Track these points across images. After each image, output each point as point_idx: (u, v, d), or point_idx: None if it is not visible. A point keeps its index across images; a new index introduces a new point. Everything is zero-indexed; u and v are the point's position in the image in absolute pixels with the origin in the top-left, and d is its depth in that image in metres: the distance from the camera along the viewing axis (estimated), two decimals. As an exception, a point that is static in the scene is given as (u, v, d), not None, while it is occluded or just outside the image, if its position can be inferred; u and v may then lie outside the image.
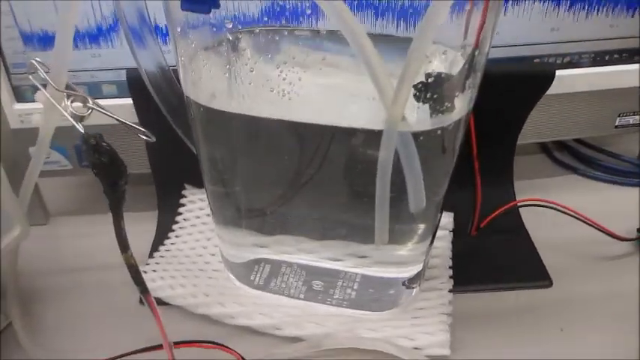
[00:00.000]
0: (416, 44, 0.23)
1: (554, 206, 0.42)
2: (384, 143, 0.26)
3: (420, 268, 0.37)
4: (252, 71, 0.31)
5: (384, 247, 0.36)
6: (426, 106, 0.28)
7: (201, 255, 0.42)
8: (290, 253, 0.39)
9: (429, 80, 0.28)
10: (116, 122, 0.29)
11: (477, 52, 0.27)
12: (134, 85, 0.39)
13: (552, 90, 0.42)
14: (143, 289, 0.33)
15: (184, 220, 0.44)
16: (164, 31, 0.40)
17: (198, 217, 0.44)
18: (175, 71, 0.34)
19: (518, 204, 0.43)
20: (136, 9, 0.32)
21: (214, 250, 0.42)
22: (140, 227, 0.40)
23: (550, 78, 0.40)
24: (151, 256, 0.42)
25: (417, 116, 0.28)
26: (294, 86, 0.30)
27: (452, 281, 0.39)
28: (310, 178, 0.36)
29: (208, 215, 0.44)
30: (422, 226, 0.35)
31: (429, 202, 0.32)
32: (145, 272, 0.39)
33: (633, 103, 0.46)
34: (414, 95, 0.28)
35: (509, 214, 0.45)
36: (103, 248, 0.35)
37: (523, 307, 0.39)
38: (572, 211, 0.41)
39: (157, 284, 0.38)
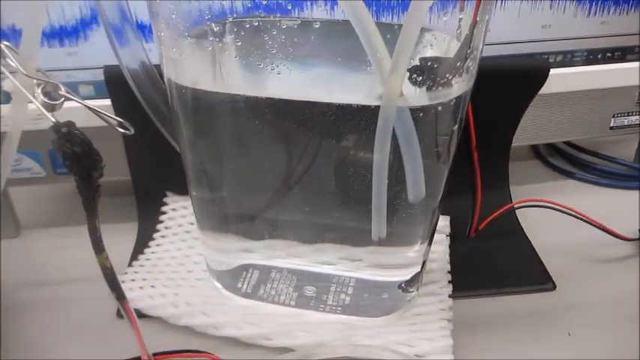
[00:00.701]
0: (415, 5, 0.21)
1: (554, 206, 0.40)
2: (382, 121, 0.24)
3: (418, 271, 0.35)
4: (236, 57, 0.29)
5: (379, 248, 0.34)
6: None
7: (184, 264, 0.39)
8: (280, 257, 0.36)
9: (424, 64, 0.27)
10: (92, 126, 0.27)
11: (475, 29, 0.26)
12: (113, 83, 0.37)
13: (545, 89, 0.41)
14: (119, 295, 0.30)
15: (166, 228, 0.42)
16: (147, 26, 0.38)
17: (180, 226, 0.42)
18: (158, 68, 0.32)
19: (515, 206, 0.42)
20: (116, 5, 0.30)
21: (198, 259, 0.39)
22: (119, 238, 0.38)
23: (545, 73, 0.39)
24: (130, 265, 0.39)
25: (415, 92, 0.26)
26: (282, 68, 0.29)
27: (451, 286, 0.37)
28: (301, 176, 0.34)
29: (192, 223, 0.42)
30: (419, 225, 0.33)
31: (427, 195, 0.30)
32: (123, 282, 0.36)
33: (628, 103, 0.46)
34: (409, 79, 0.27)
35: (506, 218, 0.43)
36: (78, 261, 0.33)
37: (527, 311, 0.37)
38: (572, 210, 0.40)
39: (135, 294, 0.36)
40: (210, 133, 0.33)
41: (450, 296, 0.36)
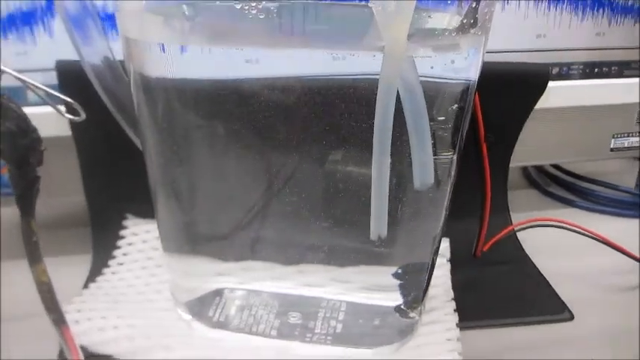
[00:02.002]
0: None
1: (566, 226, 0.36)
2: (384, 79, 0.20)
3: (419, 293, 0.30)
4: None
5: (373, 268, 0.30)
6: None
7: (143, 292, 0.33)
8: (259, 280, 0.31)
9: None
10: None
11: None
12: (67, 81, 0.33)
13: (540, 104, 0.38)
14: (57, 318, 0.25)
15: (124, 254, 0.36)
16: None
17: (141, 251, 0.36)
18: (122, 62, 0.28)
19: (520, 226, 0.38)
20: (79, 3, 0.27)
21: (161, 287, 0.33)
22: (70, 269, 0.34)
23: (545, 77, 0.36)
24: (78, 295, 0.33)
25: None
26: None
27: (457, 314, 0.32)
28: (283, 186, 0.29)
29: (155, 249, 0.36)
30: (421, 235, 0.28)
31: (434, 191, 0.26)
32: (67, 313, 0.30)
33: (629, 122, 0.43)
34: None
35: (508, 242, 0.39)
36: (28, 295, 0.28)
37: (544, 343, 0.32)
38: (585, 230, 0.36)
39: (81, 327, 0.29)
40: (180, 135, 0.28)
41: (457, 325, 0.31)
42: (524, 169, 0.52)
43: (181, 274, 0.31)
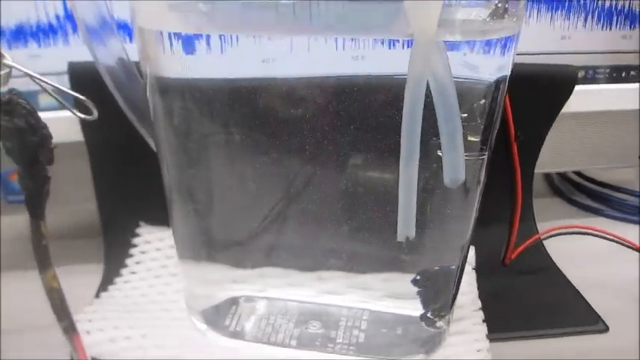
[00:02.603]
0: None
1: (593, 232, 0.34)
2: (413, 68, 0.19)
3: (447, 301, 0.28)
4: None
5: (397, 276, 0.28)
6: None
7: (157, 301, 0.32)
8: (277, 287, 0.30)
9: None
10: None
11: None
12: (80, 83, 0.32)
13: (564, 108, 0.37)
14: (68, 325, 0.23)
15: (137, 263, 0.35)
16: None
17: (154, 260, 0.35)
18: (137, 64, 0.28)
19: (548, 234, 0.36)
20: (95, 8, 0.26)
21: (176, 297, 0.32)
22: (82, 279, 0.32)
23: (573, 78, 0.35)
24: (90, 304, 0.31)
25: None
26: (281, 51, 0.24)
27: (485, 325, 0.30)
28: (302, 190, 0.28)
29: (169, 257, 0.35)
30: (450, 240, 0.27)
31: (462, 198, 0.25)
32: (78, 322, 0.29)
33: (656, 127, 0.41)
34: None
35: (535, 251, 0.38)
36: (31, 308, 0.26)
37: (577, 357, 0.30)
38: (614, 236, 0.34)
39: (92, 338, 0.28)
40: (196, 138, 0.27)
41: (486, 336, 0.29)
42: (547, 177, 0.51)
43: (197, 282, 0.30)
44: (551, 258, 0.38)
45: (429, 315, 0.27)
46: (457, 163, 0.20)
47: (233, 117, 0.26)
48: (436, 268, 0.28)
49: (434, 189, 0.24)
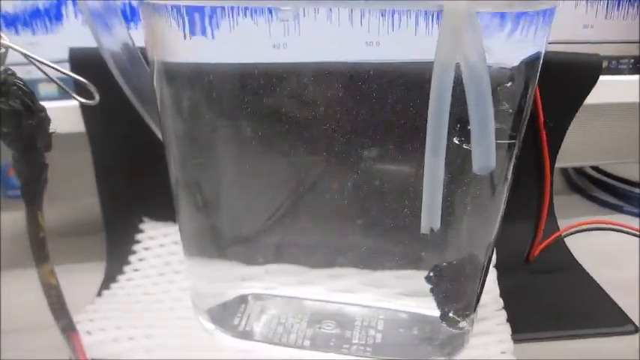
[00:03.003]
0: None
1: (619, 228, 0.33)
2: (442, 43, 0.17)
3: (470, 299, 0.26)
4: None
5: (412, 273, 0.27)
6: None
7: (161, 300, 0.30)
8: (288, 285, 0.28)
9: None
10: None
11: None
12: (82, 70, 0.30)
13: (588, 99, 0.35)
14: (66, 324, 0.22)
15: (140, 260, 0.33)
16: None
17: (158, 256, 0.33)
18: (142, 50, 0.26)
19: (570, 230, 0.34)
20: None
21: (181, 295, 0.30)
22: (83, 277, 0.32)
23: (597, 68, 0.33)
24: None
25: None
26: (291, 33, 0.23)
27: (509, 325, 0.29)
28: (315, 181, 0.26)
29: (173, 254, 0.33)
30: (475, 233, 0.25)
31: (489, 191, 0.23)
32: (78, 323, 0.27)
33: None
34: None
35: (556, 249, 0.36)
36: (28, 307, 0.25)
37: (606, 358, 0.29)
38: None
39: (93, 338, 0.26)
40: (204, 128, 0.26)
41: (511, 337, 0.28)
42: (564, 172, 0.49)
43: (204, 279, 0.29)
44: (573, 255, 0.36)
45: (451, 314, 0.26)
46: (488, 149, 0.19)
47: (243, 105, 0.25)
48: (450, 262, 0.26)
49: (459, 181, 0.22)
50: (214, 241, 0.29)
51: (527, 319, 0.29)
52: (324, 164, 0.26)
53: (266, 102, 0.25)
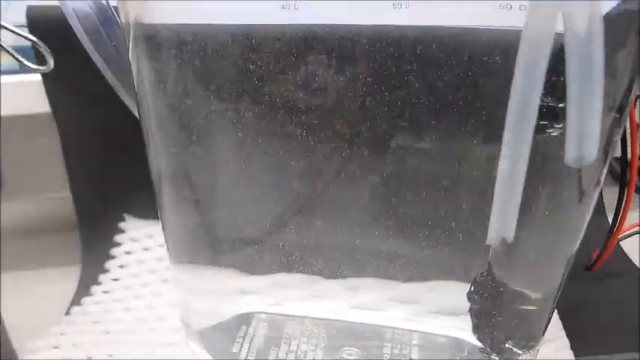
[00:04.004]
0: None
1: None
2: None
3: (538, 328, 0.21)
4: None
5: (450, 287, 0.21)
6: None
7: (145, 319, 0.25)
8: (299, 300, 0.23)
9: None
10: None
11: None
12: (42, 32, 0.25)
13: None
14: None
15: (120, 267, 0.28)
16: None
17: (141, 262, 0.28)
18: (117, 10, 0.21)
19: (632, 230, 0.29)
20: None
21: (168, 311, 0.25)
22: (51, 287, 0.27)
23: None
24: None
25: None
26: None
27: (572, 352, 0.23)
28: (332, 173, 0.21)
29: (160, 260, 0.28)
30: (553, 246, 0.20)
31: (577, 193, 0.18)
32: (38, 351, 0.22)
33: None
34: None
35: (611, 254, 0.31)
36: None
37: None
38: None
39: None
40: (194, 108, 0.20)
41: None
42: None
43: (195, 294, 0.23)
44: (630, 259, 0.31)
45: (508, 345, 0.20)
46: (590, 133, 0.13)
47: (244, 79, 0.19)
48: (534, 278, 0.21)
49: (537, 178, 0.17)
50: (208, 246, 0.23)
51: (591, 338, 0.24)
52: (344, 154, 0.21)
53: (272, 75, 0.19)
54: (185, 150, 0.21)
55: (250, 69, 0.19)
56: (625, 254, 0.31)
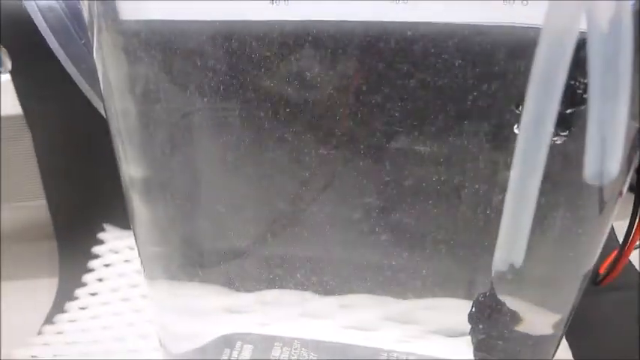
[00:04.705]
0: None
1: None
2: None
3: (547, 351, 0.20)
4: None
5: (450, 305, 0.20)
6: None
7: (123, 338, 0.23)
8: (287, 320, 0.21)
9: None
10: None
11: None
12: (8, 27, 0.23)
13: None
14: None
15: (98, 280, 0.26)
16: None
17: (122, 276, 0.26)
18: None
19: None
20: None
21: (149, 331, 0.24)
22: (32, 301, 0.25)
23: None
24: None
25: None
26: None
27: None
28: (323, 181, 0.20)
29: (141, 272, 0.26)
30: (567, 264, 0.18)
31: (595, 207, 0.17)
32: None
33: None
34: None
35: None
36: None
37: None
38: None
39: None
40: (169, 107, 0.18)
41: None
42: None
43: (173, 313, 0.22)
44: (637, 270, 0.30)
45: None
46: (612, 147, 0.12)
47: (223, 79, 0.17)
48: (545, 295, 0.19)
49: (551, 191, 0.15)
50: (185, 261, 0.22)
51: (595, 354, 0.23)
52: (336, 160, 0.19)
53: (258, 75, 0.17)
54: (158, 156, 0.20)
55: (233, 68, 0.17)
56: (632, 264, 0.30)
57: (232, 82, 0.17)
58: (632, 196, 0.23)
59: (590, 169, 0.12)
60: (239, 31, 0.17)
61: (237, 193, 0.20)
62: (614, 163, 0.12)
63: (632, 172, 0.16)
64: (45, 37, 0.19)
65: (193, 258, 0.21)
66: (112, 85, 0.17)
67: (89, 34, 0.18)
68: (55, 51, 0.19)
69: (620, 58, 0.11)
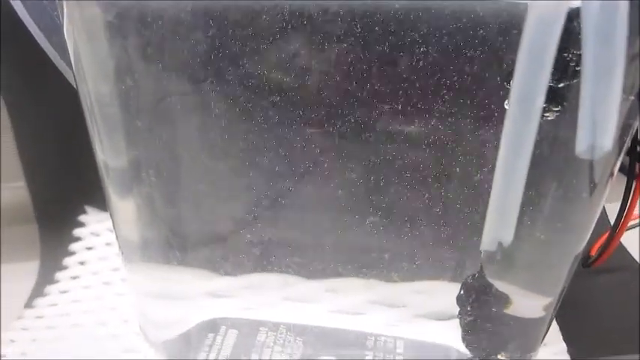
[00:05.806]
0: None
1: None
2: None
3: (535, 336, 0.19)
4: None
5: (442, 285, 0.20)
6: None
7: (104, 322, 0.22)
8: (272, 305, 0.21)
9: None
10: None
11: None
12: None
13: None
14: None
15: (80, 263, 0.25)
16: None
17: (103, 259, 0.26)
18: None
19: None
20: None
21: (130, 314, 0.23)
22: (12, 285, 0.24)
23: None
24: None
25: None
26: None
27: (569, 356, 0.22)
28: (309, 162, 0.19)
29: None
30: (558, 241, 0.18)
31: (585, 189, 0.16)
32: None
33: None
34: None
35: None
36: None
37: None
38: None
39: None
40: (147, 85, 0.18)
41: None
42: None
43: (154, 299, 0.21)
44: (629, 252, 0.29)
45: (500, 357, 0.18)
46: (606, 119, 0.11)
47: (201, 59, 0.17)
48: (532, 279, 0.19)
49: (541, 170, 0.15)
50: (168, 242, 0.21)
51: (588, 339, 0.23)
52: (324, 141, 0.18)
53: (242, 51, 0.17)
54: (134, 133, 0.19)
55: (215, 47, 0.16)
56: (623, 246, 0.30)
57: (210, 60, 0.17)
58: (624, 179, 0.22)
59: (582, 143, 0.12)
60: (212, 6, 0.16)
61: (215, 175, 0.20)
62: (607, 138, 0.12)
63: (623, 154, 0.16)
64: (14, 6, 0.18)
65: (173, 241, 0.21)
66: (83, 64, 0.17)
67: (58, 10, 0.17)
68: (25, 22, 0.18)
69: (616, 33, 0.11)
